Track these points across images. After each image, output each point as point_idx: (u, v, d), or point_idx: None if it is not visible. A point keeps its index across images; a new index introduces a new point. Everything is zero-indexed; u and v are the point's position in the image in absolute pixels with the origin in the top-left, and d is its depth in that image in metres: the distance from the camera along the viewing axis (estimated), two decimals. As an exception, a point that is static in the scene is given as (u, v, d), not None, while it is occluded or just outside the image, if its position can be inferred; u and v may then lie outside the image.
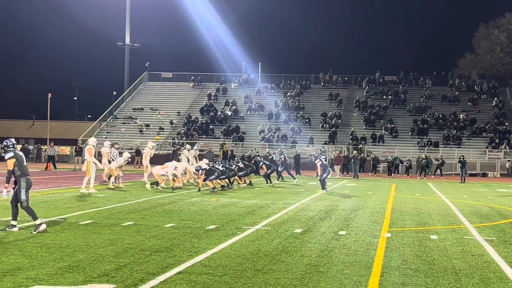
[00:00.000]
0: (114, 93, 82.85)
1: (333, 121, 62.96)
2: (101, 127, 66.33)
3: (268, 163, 31.08)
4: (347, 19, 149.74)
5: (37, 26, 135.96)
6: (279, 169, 33.20)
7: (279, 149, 36.97)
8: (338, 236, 12.63)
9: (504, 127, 59.19)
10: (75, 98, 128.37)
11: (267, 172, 30.37)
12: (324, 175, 25.21)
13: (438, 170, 46.20)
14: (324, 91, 70.97)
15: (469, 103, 65.39)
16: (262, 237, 12.20)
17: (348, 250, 10.93)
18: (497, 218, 17.06)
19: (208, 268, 9.06)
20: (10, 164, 12.10)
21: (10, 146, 12.26)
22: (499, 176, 50.15)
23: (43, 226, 12.03)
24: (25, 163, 12.40)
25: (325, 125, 62.93)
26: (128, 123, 66.89)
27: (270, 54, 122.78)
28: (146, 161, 27.61)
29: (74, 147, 49.87)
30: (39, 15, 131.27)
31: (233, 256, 10.10)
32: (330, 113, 64.60)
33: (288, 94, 69.76)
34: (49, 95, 62.82)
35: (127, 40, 76.74)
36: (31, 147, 64.74)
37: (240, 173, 27.30)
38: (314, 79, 73.80)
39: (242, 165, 27.76)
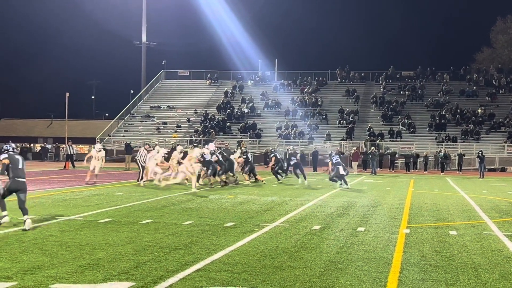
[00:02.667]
0: (131, 91, 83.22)
1: (350, 117, 62.74)
2: (118, 125, 66.56)
3: (279, 156, 30.58)
4: (363, 14, 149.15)
5: (54, 26, 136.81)
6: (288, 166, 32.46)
7: (291, 146, 36.53)
8: (356, 233, 12.61)
9: (523, 121, 58.70)
10: (93, 97, 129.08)
11: (275, 168, 29.85)
12: (332, 174, 25.85)
13: (459, 166, 45.96)
14: (341, 87, 70.74)
15: (487, 98, 64.90)
16: (281, 234, 12.20)
17: (367, 247, 10.91)
18: (517, 213, 16.95)
19: (227, 265, 9.08)
20: (1, 163, 12.56)
21: (9, 150, 12.86)
22: (518, 171, 49.77)
23: (5, 219, 12.52)
24: (20, 166, 12.59)
25: (342, 121, 62.73)
26: (145, 121, 67.08)
27: (286, 51, 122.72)
28: (173, 162, 27.55)
29: (92, 146, 50.10)
30: (55, 15, 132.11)
31: (252, 253, 10.11)
32: (347, 109, 64.37)
33: (304, 90, 69.60)
34: (67, 94, 63.13)
35: (144, 39, 76.90)
36: (49, 146, 65.25)
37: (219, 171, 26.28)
38: (331, 75, 73.56)
39: (220, 158, 26.63)
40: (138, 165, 26.83)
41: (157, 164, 25.83)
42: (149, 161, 25.86)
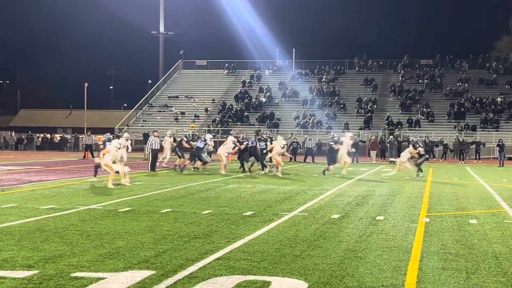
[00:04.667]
0: (149, 81, 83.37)
1: (369, 106, 62.51)
2: (137, 115, 66.82)
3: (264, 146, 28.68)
4: (381, 3, 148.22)
5: (72, 17, 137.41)
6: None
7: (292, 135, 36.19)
8: (375, 222, 12.59)
9: (543, 109, 58.16)
10: (111, 87, 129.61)
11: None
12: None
13: (477, 153, 45.68)
14: (359, 76, 70.46)
15: (506, 86, 64.36)
16: (299, 223, 12.21)
17: (386, 235, 10.88)
18: (537, 202, 16.83)
19: (247, 254, 9.10)
20: None
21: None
22: (538, 159, 49.31)
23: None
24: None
25: (360, 110, 62.52)
26: (163, 111, 67.26)
27: (304, 40, 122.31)
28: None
29: (111, 136, 50.29)
30: (74, 6, 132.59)
31: (271, 242, 10.12)
32: (365, 98, 64.13)
33: (322, 79, 69.40)
34: (86, 84, 63.49)
35: (161, 29, 76.98)
36: (68, 137, 65.61)
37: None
38: (349, 64, 73.29)
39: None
40: (150, 153, 27.11)
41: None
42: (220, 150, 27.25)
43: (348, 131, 32.27)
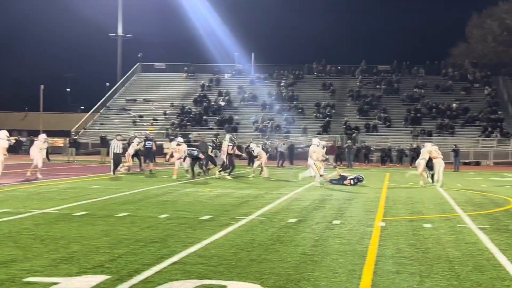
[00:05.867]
0: (107, 84, 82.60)
1: (327, 110, 62.93)
2: (94, 118, 66.15)
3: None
4: (340, 8, 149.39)
5: (28, 17, 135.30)
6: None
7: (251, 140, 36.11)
8: (332, 226, 12.67)
9: (497, 115, 59.28)
10: (68, 90, 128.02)
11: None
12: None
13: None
14: (317, 81, 70.89)
15: (462, 92, 65.44)
16: (257, 227, 12.22)
17: (342, 239, 10.96)
18: (490, 206, 17.13)
19: (203, 258, 9.08)
20: None
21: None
22: (492, 164, 50.27)
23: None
24: None
25: (318, 115, 62.88)
26: (121, 114, 66.71)
27: (263, 44, 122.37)
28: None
29: (67, 139, 49.74)
30: (30, 6, 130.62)
31: (228, 246, 10.12)
32: (324, 102, 64.55)
33: (281, 84, 69.64)
34: (42, 86, 62.69)
35: (120, 31, 76.44)
36: (23, 139, 64.58)
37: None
38: (308, 69, 73.68)
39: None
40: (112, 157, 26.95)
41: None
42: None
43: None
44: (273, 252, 9.65)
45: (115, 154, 27.07)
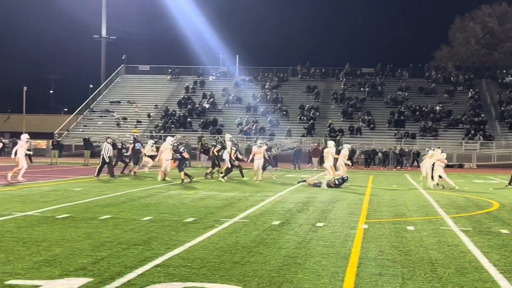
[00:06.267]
0: (91, 86, 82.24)
1: (311, 113, 63.05)
2: (77, 120, 65.82)
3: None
4: (324, 11, 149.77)
5: (11, 19, 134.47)
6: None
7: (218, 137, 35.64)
8: (315, 228, 12.69)
9: (480, 118, 59.65)
10: (51, 92, 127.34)
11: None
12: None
13: (415, 162, 46.52)
14: (301, 84, 71.01)
15: (445, 95, 65.79)
16: (240, 230, 12.22)
17: (326, 242, 10.98)
18: (473, 209, 17.24)
19: (186, 261, 9.06)
20: None
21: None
22: (475, 167, 50.56)
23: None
24: None
25: (303, 117, 62.99)
26: (105, 116, 66.42)
27: (248, 46, 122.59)
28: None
29: (50, 141, 49.47)
30: (13, 7, 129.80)
31: (211, 248, 10.10)
32: (308, 105, 64.66)
33: (266, 86, 69.69)
34: (25, 88, 62.27)
35: (103, 33, 76.16)
36: (6, 141, 64.14)
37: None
38: (292, 72, 73.80)
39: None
40: (105, 159, 26.60)
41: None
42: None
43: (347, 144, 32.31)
44: (257, 255, 9.65)
45: (108, 157, 26.70)
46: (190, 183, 24.41)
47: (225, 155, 27.99)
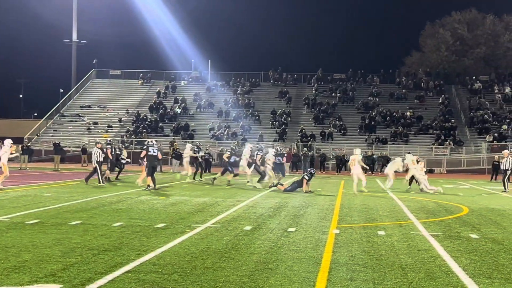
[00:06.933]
0: (61, 90, 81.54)
1: (283, 118, 63.22)
2: (47, 125, 65.26)
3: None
4: (296, 17, 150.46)
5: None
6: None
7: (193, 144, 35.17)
8: (287, 233, 12.70)
9: (450, 124, 60.29)
10: (21, 96, 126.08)
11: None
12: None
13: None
14: (273, 89, 71.19)
15: (416, 101, 66.44)
16: (212, 235, 12.19)
17: (297, 247, 11.00)
18: (443, 214, 17.40)
19: (157, 267, 9.01)
20: None
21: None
22: (445, 172, 51.06)
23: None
24: None
25: (274, 122, 63.13)
26: (75, 121, 65.95)
27: (220, 51, 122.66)
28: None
29: (20, 146, 48.89)
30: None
31: (183, 254, 10.07)
32: (280, 110, 64.84)
33: (238, 91, 69.73)
34: (-6, 92, 61.47)
35: (74, 37, 75.63)
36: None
37: None
38: (264, 77, 73.97)
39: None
40: (97, 165, 26.24)
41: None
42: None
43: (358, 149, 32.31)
44: (228, 260, 9.64)
45: (98, 162, 26.36)
46: (156, 190, 24.05)
47: (243, 162, 27.95)
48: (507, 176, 27.53)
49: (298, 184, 24.47)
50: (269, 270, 9.00)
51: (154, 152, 24.49)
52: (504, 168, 27.77)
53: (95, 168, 26.32)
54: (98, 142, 28.17)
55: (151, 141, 25.55)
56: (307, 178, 24.41)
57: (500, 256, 10.64)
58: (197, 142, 35.36)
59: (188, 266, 9.09)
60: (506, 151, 28.99)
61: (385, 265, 9.58)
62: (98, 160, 26.35)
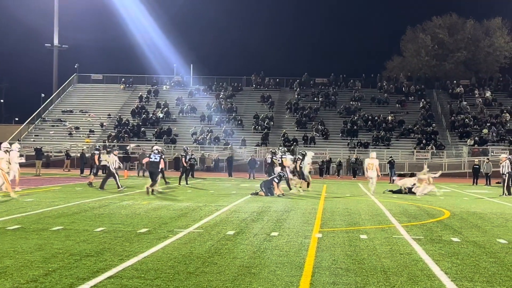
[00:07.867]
0: (43, 95, 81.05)
1: (265, 123, 63.30)
2: (29, 130, 64.88)
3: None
4: (279, 22, 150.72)
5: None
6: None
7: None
8: (270, 237, 12.70)
9: (431, 128, 60.68)
10: (2, 101, 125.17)
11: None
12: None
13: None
14: (256, 93, 71.31)
15: (397, 105, 66.83)
16: (195, 240, 12.16)
17: (280, 251, 11.00)
18: (424, 217, 17.48)
19: (140, 272, 8.98)
20: None
21: None
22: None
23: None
24: None
25: (257, 126, 63.21)
26: (57, 125, 65.62)
27: (202, 56, 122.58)
28: (306, 171, 28.29)
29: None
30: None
31: (165, 259, 10.03)
32: (262, 115, 64.94)
33: (220, 96, 69.74)
34: (-26, 97, 60.99)
35: (56, 42, 75.26)
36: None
37: None
38: (246, 81, 74.12)
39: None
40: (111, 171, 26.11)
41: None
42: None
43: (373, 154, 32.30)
44: (211, 265, 9.62)
45: (114, 169, 26.27)
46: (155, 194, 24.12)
47: (306, 171, 28.17)
48: (505, 180, 27.43)
49: (267, 184, 24.62)
50: (252, 274, 9.00)
51: (155, 158, 24.95)
52: (503, 172, 27.66)
53: (107, 174, 26.38)
54: (115, 150, 28.45)
55: (156, 149, 25.72)
56: (276, 181, 24.55)
57: (481, 259, 10.71)
58: (184, 147, 35.25)
59: (171, 271, 9.06)
60: (503, 155, 28.95)
61: (367, 268, 9.62)
62: (115, 166, 26.39)
